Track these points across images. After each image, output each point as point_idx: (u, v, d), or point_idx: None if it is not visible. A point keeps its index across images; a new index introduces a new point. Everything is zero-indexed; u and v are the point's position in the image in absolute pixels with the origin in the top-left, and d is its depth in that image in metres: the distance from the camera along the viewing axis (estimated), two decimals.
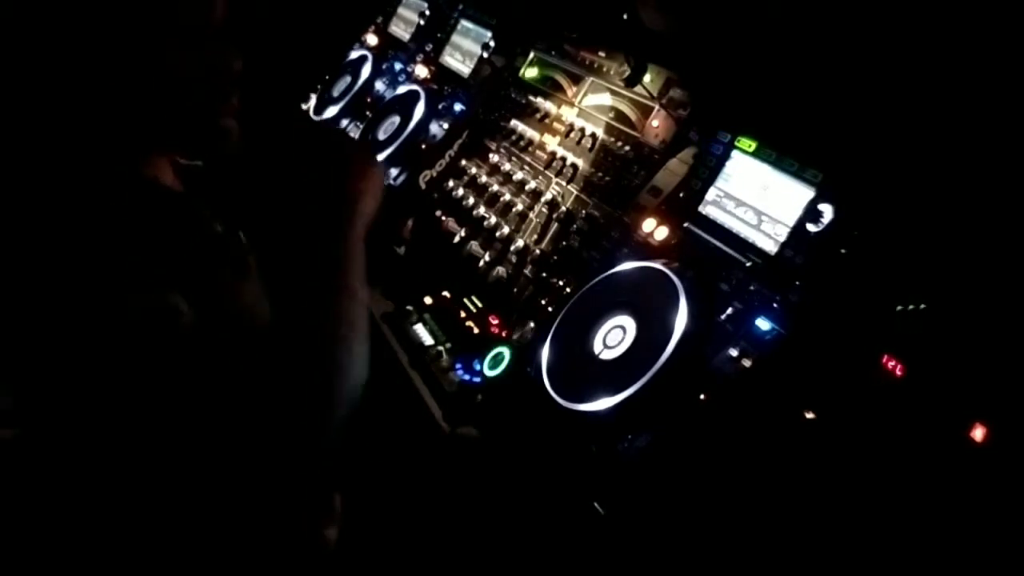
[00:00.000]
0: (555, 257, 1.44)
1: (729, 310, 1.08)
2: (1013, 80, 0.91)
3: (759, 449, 0.96)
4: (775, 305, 1.04)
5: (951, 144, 0.97)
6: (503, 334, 1.40)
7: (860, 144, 1.08)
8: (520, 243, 1.50)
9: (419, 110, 1.84)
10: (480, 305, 1.54)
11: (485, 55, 1.86)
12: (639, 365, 1.06)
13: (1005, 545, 0.78)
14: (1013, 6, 0.87)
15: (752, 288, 1.09)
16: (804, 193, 1.10)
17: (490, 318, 1.46)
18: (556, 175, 1.54)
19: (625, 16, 1.34)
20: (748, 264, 1.12)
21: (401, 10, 2.32)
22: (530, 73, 1.76)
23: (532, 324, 1.34)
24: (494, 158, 1.69)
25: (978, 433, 0.81)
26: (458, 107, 1.84)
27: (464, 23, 2.01)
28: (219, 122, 0.80)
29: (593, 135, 1.52)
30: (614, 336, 1.13)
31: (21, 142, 0.69)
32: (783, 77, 1.23)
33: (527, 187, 1.56)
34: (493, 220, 1.57)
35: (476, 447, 1.22)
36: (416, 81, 1.99)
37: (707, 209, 1.23)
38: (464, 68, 1.93)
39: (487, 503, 1.20)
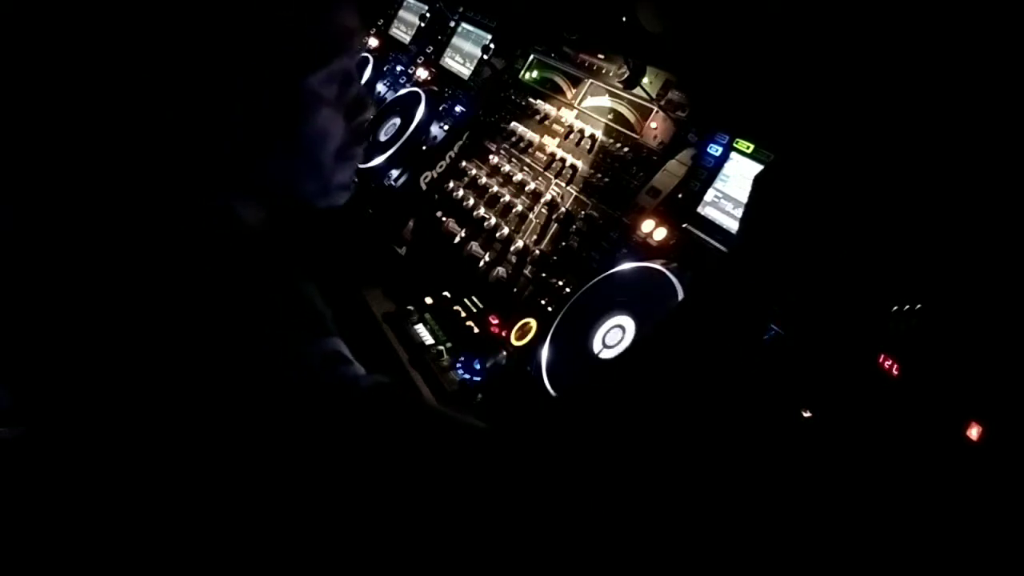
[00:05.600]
0: (555, 257, 1.45)
1: None
2: (1011, 82, 0.92)
3: (756, 447, 0.97)
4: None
5: (947, 144, 0.98)
6: (503, 334, 1.41)
7: (857, 145, 1.08)
8: (520, 243, 1.51)
9: (420, 112, 1.85)
10: (480, 305, 1.55)
11: (485, 57, 1.87)
12: None
13: (1000, 543, 0.79)
14: (1014, 9, 0.88)
15: None
16: None
17: (490, 318, 1.47)
18: (556, 176, 1.55)
19: (624, 19, 1.35)
20: None
21: (402, 13, 2.33)
22: (530, 75, 1.77)
23: (533, 323, 1.34)
24: (494, 159, 1.69)
25: (973, 432, 0.82)
26: (458, 109, 1.85)
27: (464, 26, 2.03)
28: (339, 174, 0.71)
29: (592, 136, 1.52)
30: (613, 336, 1.14)
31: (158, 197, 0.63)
32: (781, 79, 1.23)
33: (527, 188, 1.57)
34: (493, 221, 1.58)
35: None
36: (417, 83, 2.00)
37: (705, 210, 1.24)
38: (464, 70, 1.94)
39: (486, 502, 1.20)
